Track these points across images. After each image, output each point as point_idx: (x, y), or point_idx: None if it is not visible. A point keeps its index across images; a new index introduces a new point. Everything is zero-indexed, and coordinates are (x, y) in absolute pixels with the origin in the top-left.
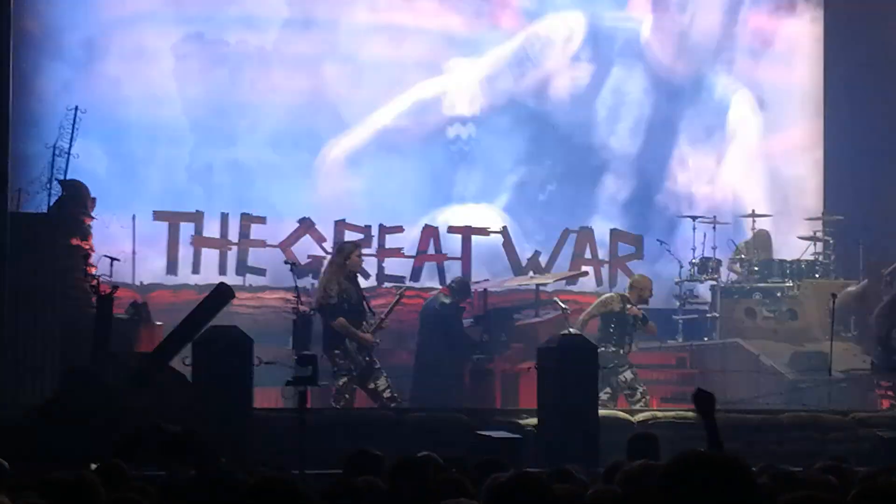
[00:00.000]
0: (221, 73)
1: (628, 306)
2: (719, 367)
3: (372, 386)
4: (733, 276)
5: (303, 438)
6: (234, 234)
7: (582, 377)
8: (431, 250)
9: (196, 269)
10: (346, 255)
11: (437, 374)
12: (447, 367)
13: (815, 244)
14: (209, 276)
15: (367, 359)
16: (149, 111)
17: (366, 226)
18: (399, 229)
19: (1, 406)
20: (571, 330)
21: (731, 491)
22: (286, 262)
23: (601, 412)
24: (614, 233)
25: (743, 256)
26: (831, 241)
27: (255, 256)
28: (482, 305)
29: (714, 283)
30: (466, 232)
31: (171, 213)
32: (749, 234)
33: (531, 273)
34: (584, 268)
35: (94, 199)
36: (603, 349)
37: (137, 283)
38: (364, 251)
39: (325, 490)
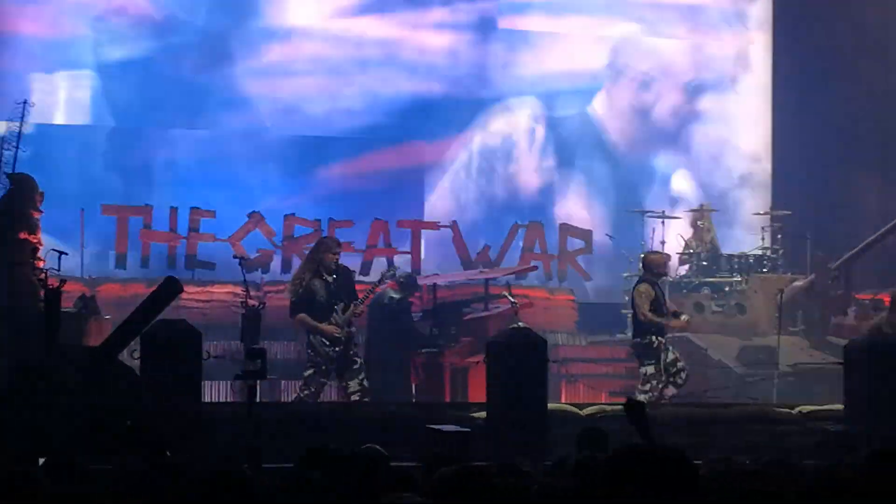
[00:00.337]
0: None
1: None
2: None
3: (345, 384)
4: (682, 271)
5: (252, 433)
6: (183, 229)
7: (531, 371)
8: (381, 244)
9: (145, 264)
10: (319, 253)
11: (386, 369)
12: (396, 361)
13: (763, 239)
14: (158, 270)
15: (339, 350)
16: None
17: (315, 220)
18: (349, 223)
19: None
20: (521, 323)
21: (673, 483)
22: (235, 257)
23: (550, 405)
24: (563, 227)
25: (691, 250)
26: (779, 236)
27: (204, 251)
28: (431, 300)
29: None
30: (416, 226)
31: (120, 207)
32: (693, 229)
33: (480, 268)
34: (533, 262)
35: (42, 193)
36: (647, 341)
37: (86, 276)
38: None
39: (274, 485)
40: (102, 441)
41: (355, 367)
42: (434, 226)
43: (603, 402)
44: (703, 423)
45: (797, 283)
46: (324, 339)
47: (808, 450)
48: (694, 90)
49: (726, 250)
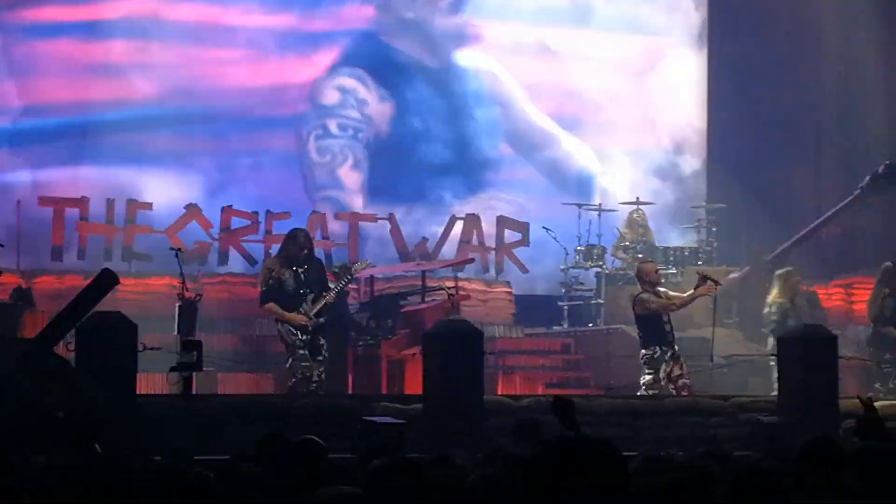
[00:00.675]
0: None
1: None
2: (604, 353)
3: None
4: (618, 263)
5: (188, 424)
6: (119, 220)
7: (467, 363)
8: (318, 237)
9: (81, 256)
10: (289, 244)
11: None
12: (333, 352)
13: (698, 231)
14: (95, 262)
15: (306, 339)
16: None
17: (253, 212)
18: (286, 215)
19: None
20: (457, 316)
21: (602, 474)
22: (171, 249)
23: (486, 397)
24: (501, 220)
25: (627, 243)
26: (714, 229)
27: (141, 243)
28: (369, 291)
29: (599, 269)
30: (353, 218)
31: (57, 199)
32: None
33: (418, 260)
34: (470, 254)
35: None
36: (650, 352)
37: (22, 268)
38: (251, 237)
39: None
40: (35, 434)
41: (319, 358)
42: (372, 218)
43: (539, 393)
44: (637, 415)
45: (732, 276)
46: (290, 328)
47: (740, 441)
48: (629, 80)
49: (661, 243)
